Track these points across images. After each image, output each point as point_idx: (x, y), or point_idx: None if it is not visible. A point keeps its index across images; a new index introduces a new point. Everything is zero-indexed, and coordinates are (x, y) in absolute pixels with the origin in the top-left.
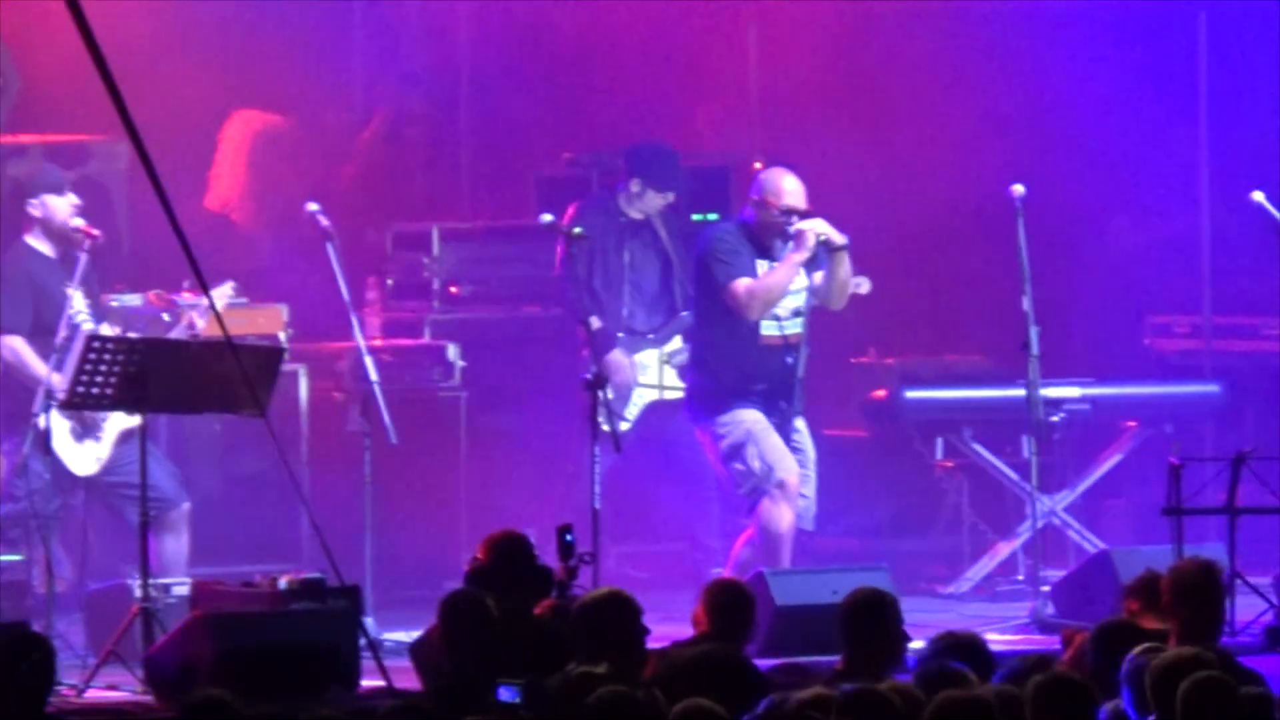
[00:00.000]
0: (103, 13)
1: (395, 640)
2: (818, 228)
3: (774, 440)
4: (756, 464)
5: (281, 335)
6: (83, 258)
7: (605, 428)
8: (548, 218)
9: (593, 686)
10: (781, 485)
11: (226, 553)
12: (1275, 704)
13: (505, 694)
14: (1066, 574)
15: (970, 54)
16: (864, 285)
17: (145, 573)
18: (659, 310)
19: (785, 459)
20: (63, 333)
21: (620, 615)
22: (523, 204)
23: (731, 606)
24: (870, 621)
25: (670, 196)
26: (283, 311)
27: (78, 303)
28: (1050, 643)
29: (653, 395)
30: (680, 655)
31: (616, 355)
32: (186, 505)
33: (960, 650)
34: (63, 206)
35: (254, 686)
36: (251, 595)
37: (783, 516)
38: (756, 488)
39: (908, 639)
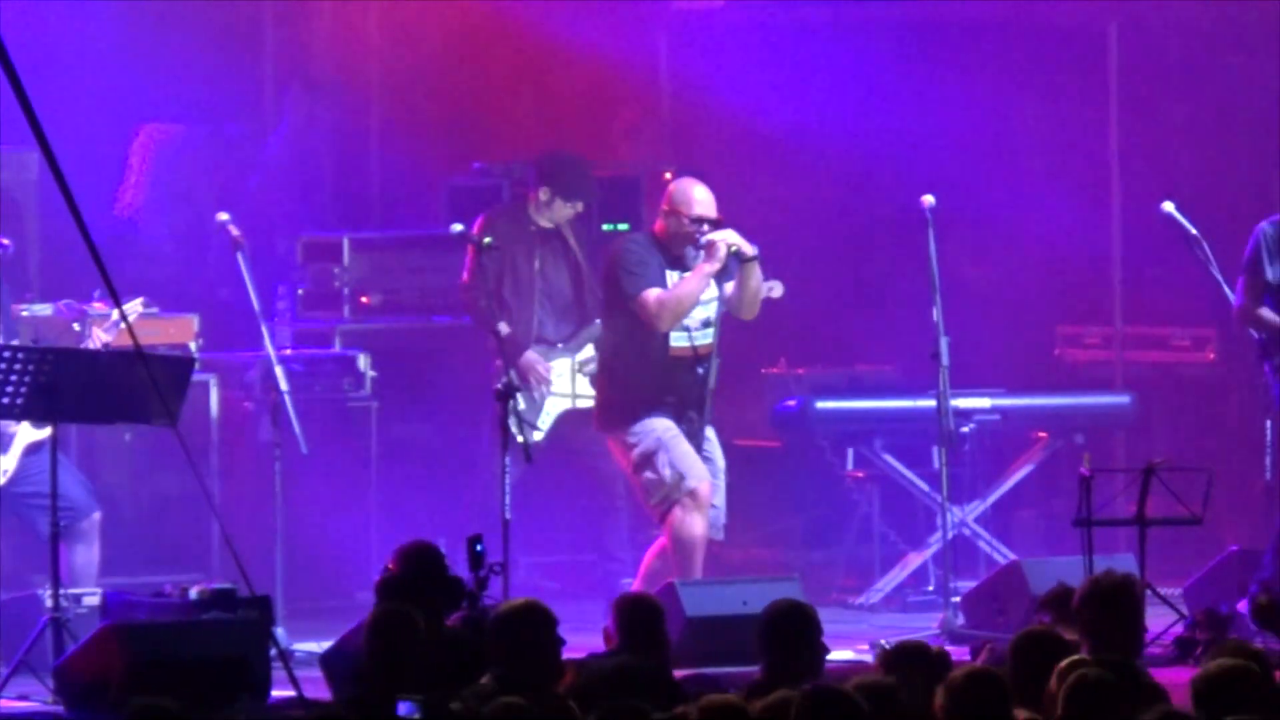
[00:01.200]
0: (13, 24)
1: (306, 650)
2: (728, 238)
3: (685, 448)
4: (667, 472)
5: (192, 345)
6: None
7: (519, 438)
8: (458, 227)
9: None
10: (693, 494)
11: (137, 563)
12: None
13: (404, 709)
14: (977, 585)
15: (881, 64)
16: (776, 289)
17: (56, 583)
18: (569, 319)
19: (696, 467)
20: None
21: (537, 626)
22: (433, 213)
23: (640, 621)
24: (791, 632)
25: (580, 205)
26: (194, 321)
27: None
28: (960, 653)
29: (565, 404)
30: (598, 666)
31: (531, 354)
32: (97, 515)
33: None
34: None
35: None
36: (162, 605)
37: (695, 525)
38: (667, 497)
39: (826, 650)
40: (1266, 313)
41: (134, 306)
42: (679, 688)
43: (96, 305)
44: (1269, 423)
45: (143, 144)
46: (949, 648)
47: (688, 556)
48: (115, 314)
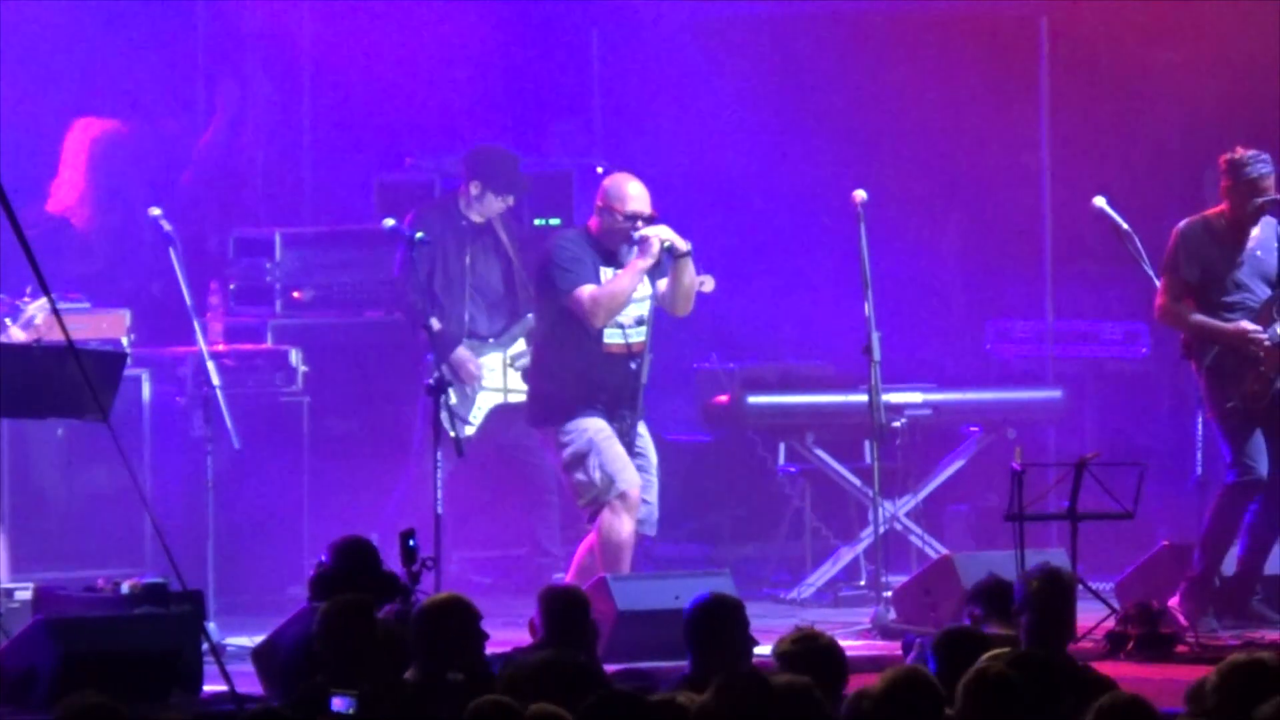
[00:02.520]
0: None
1: (238, 645)
2: (661, 234)
3: (617, 450)
4: (598, 475)
5: (124, 340)
6: None
7: (451, 433)
8: (389, 222)
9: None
10: (623, 496)
11: (69, 557)
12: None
13: (339, 704)
14: (908, 579)
15: (812, 60)
16: (708, 283)
17: None
18: (501, 314)
19: (627, 470)
20: None
21: (461, 620)
22: (364, 208)
23: (565, 612)
24: (718, 627)
25: (510, 200)
26: (125, 316)
27: None
28: (892, 648)
29: (497, 399)
30: (525, 661)
31: (462, 351)
32: None
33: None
34: None
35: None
36: (94, 600)
37: (623, 527)
38: (596, 499)
39: (754, 643)
40: (1186, 311)
41: (40, 305)
42: (607, 681)
43: (27, 300)
44: (1199, 418)
45: (76, 138)
46: (880, 643)
47: (615, 557)
48: (31, 309)
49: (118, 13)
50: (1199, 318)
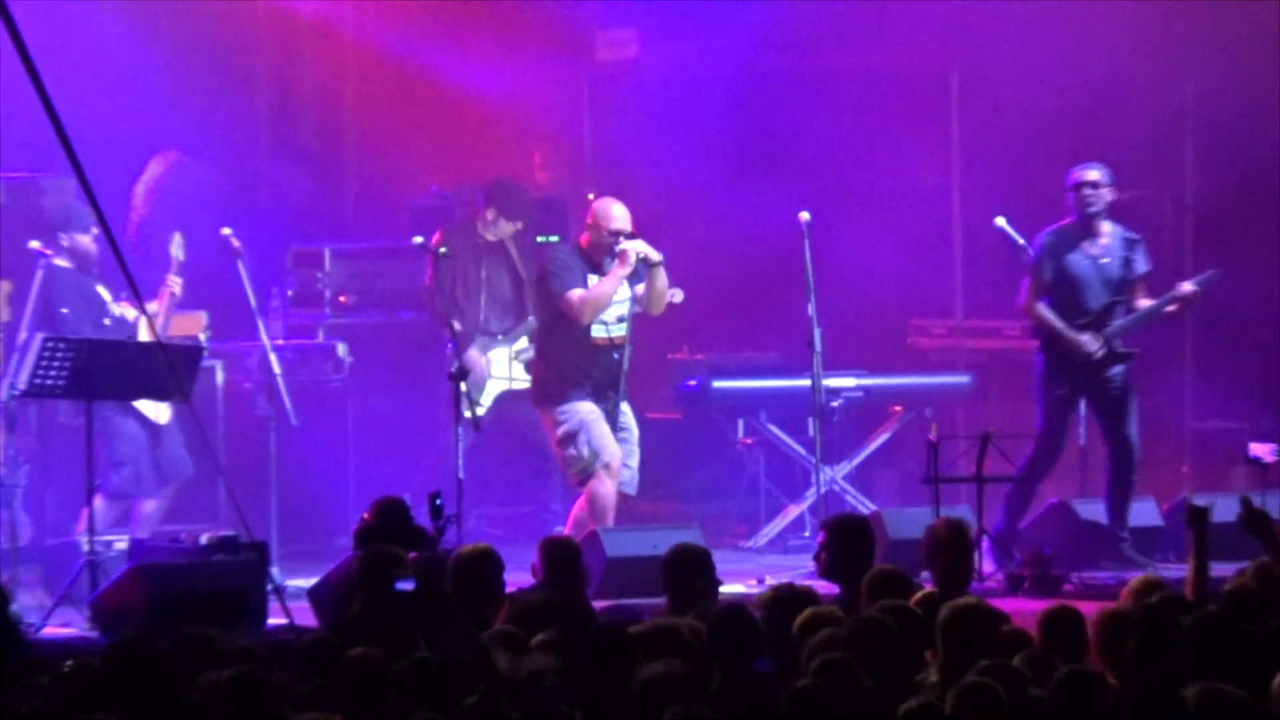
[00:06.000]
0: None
1: (296, 585)
2: (638, 247)
3: (602, 428)
4: (585, 450)
5: (202, 336)
6: (39, 273)
7: (467, 413)
8: (419, 239)
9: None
10: (607, 466)
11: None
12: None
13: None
14: None
15: (766, 105)
16: (678, 295)
17: (92, 531)
18: (509, 315)
19: (610, 444)
20: (22, 334)
21: (489, 566)
22: (398, 228)
23: (560, 558)
24: (689, 570)
25: (519, 224)
26: (203, 317)
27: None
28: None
29: (504, 385)
30: (528, 599)
31: (473, 353)
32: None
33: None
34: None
35: (180, 624)
36: (177, 549)
37: (608, 490)
38: (584, 470)
39: (719, 583)
40: (1042, 309)
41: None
42: (594, 615)
43: (122, 304)
44: (1081, 399)
45: (157, 169)
46: (821, 582)
47: (602, 515)
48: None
49: (193, 63)
50: (1050, 317)
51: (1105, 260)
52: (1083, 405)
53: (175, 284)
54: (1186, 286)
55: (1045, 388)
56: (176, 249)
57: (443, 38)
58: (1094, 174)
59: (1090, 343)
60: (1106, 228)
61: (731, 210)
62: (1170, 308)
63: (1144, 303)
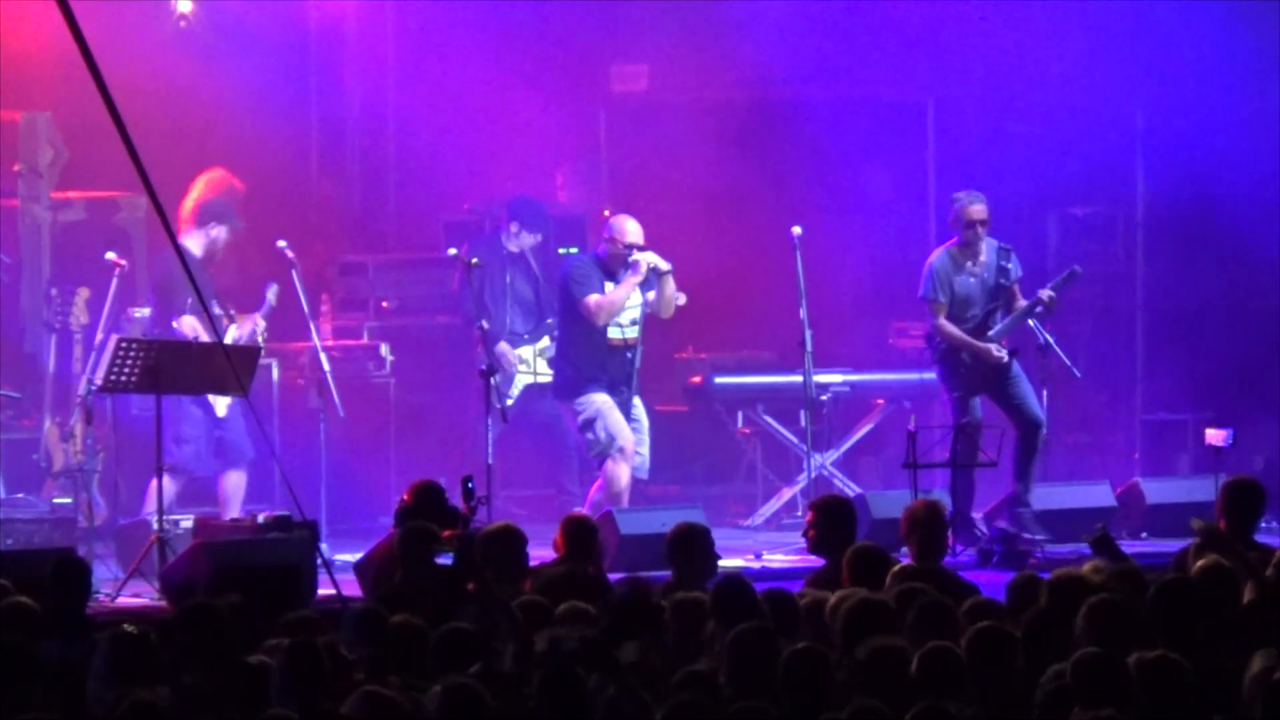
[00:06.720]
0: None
1: (344, 560)
2: (649, 258)
3: (617, 416)
4: (603, 435)
5: (259, 337)
6: (114, 281)
7: (497, 405)
8: (453, 251)
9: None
10: (621, 450)
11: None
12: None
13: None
14: None
15: (761, 132)
16: (681, 299)
17: (161, 511)
18: (532, 317)
19: (624, 430)
20: (99, 335)
21: (513, 542)
22: (433, 240)
23: (579, 535)
24: (691, 547)
25: (539, 236)
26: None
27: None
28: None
29: (529, 379)
30: (549, 573)
31: (502, 345)
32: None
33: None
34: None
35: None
36: (237, 528)
37: (623, 473)
38: (603, 452)
39: (719, 558)
40: (949, 326)
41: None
42: (610, 587)
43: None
44: (1044, 391)
45: (207, 185)
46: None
47: (617, 495)
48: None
49: (254, 88)
50: (956, 332)
51: (985, 275)
52: (1044, 396)
53: (261, 325)
54: (1045, 291)
55: (948, 390)
56: (272, 296)
57: (475, 72)
58: (983, 211)
59: (996, 350)
60: (983, 245)
61: (732, 224)
62: (1038, 309)
63: (1020, 304)
